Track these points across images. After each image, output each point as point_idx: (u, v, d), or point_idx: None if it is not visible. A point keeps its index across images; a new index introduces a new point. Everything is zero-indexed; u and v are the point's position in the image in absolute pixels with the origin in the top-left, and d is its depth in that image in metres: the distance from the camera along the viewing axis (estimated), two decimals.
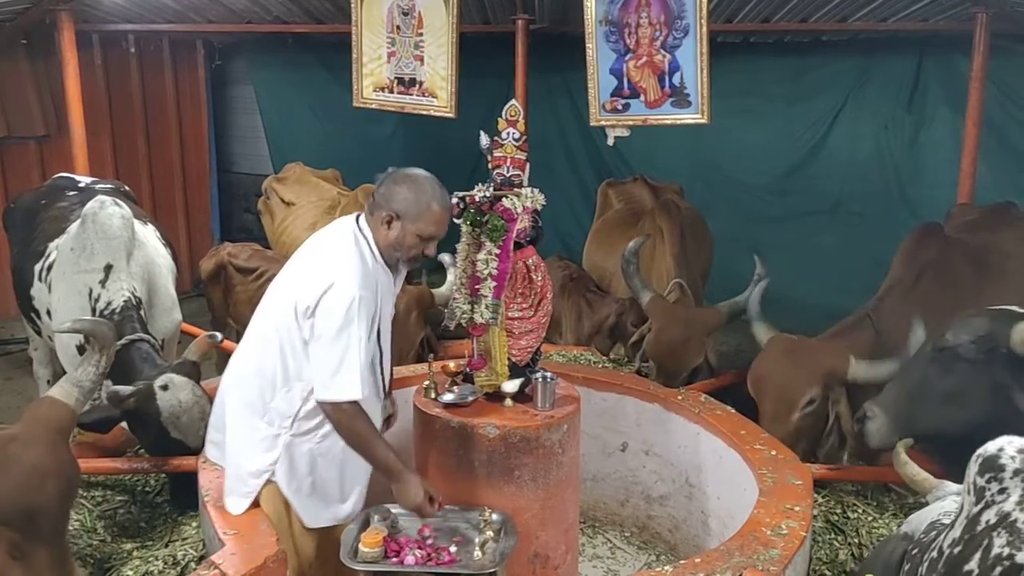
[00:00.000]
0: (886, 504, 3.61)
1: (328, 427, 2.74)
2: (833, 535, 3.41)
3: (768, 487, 3.13)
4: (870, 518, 3.50)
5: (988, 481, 1.69)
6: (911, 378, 3.27)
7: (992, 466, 1.69)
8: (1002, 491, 1.67)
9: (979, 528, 1.68)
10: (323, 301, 2.61)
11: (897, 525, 3.43)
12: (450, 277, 4.70)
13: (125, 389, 3.45)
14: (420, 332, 4.72)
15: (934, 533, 1.94)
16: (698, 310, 4.61)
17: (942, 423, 3.12)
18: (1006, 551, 1.61)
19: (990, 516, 1.67)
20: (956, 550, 1.71)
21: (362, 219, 2.80)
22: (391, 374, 3.11)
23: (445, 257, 4.79)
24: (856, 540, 3.36)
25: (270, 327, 2.76)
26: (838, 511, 3.55)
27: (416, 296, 4.72)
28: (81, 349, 3.99)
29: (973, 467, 1.73)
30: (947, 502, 2.13)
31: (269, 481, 2.79)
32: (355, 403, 2.64)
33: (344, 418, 2.65)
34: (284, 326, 2.70)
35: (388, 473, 2.72)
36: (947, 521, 1.92)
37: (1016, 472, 1.67)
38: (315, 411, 2.73)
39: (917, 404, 3.19)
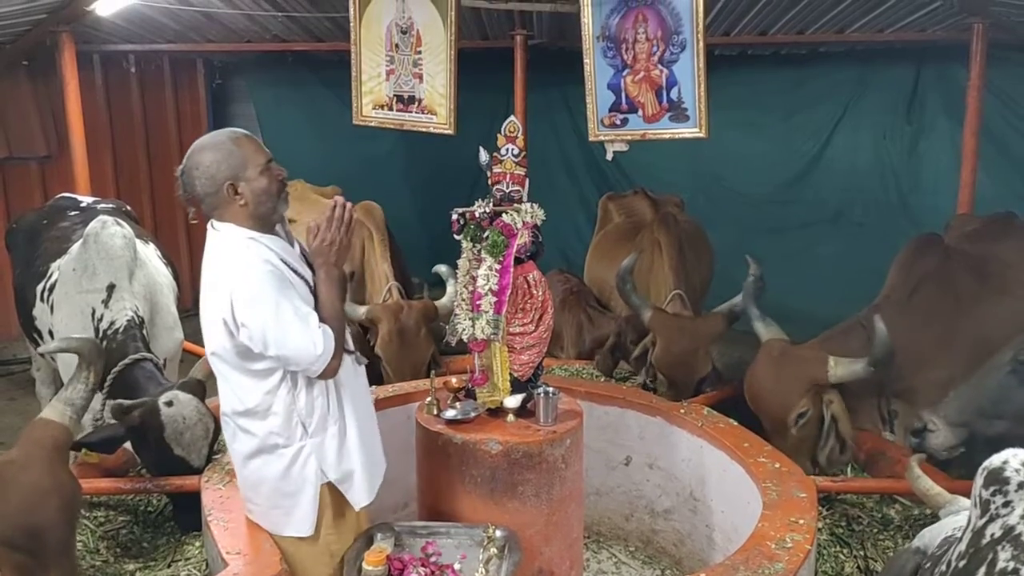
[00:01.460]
0: (891, 516, 3.59)
1: (328, 403, 2.64)
2: (838, 548, 3.39)
3: (772, 500, 3.12)
4: (875, 530, 3.48)
5: (993, 494, 1.66)
6: (983, 390, 3.10)
7: (997, 479, 1.67)
8: (1007, 504, 1.64)
9: (984, 541, 1.66)
10: (238, 314, 2.48)
11: (903, 537, 3.42)
12: (450, 288, 4.70)
13: (129, 401, 3.44)
14: (431, 347, 4.72)
15: (947, 547, 1.92)
16: (700, 318, 4.63)
17: (1015, 441, 3.04)
18: (1011, 565, 1.59)
19: (995, 529, 1.65)
20: (961, 564, 1.69)
21: (213, 224, 2.69)
22: None
23: (441, 268, 4.81)
24: (862, 553, 3.34)
25: (216, 360, 2.64)
26: (843, 524, 3.53)
27: (422, 311, 4.74)
28: None
29: (979, 479, 1.70)
30: (961, 517, 2.10)
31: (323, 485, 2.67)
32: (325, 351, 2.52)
33: (333, 359, 2.54)
34: (224, 348, 2.58)
35: (332, 284, 2.62)
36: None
37: (1021, 485, 1.64)
38: (309, 403, 2.62)
39: (989, 418, 3.05)
